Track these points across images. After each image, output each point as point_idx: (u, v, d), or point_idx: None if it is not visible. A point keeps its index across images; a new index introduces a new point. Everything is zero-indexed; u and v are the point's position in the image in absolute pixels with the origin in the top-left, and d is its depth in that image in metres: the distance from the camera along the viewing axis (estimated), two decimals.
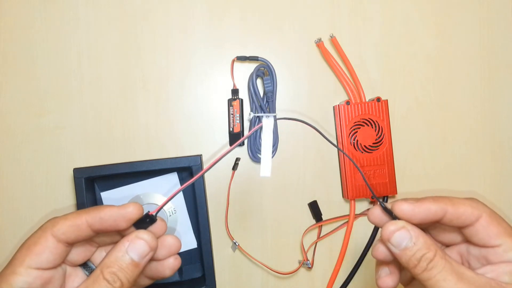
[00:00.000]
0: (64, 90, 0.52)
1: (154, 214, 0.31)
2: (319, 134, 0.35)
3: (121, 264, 0.29)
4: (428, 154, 0.54)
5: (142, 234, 0.30)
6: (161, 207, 0.32)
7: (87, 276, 0.32)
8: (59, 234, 0.29)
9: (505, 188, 0.54)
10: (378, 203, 0.31)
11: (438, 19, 0.54)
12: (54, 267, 0.30)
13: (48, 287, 0.29)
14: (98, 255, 0.33)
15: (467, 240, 0.30)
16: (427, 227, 0.32)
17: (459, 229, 0.30)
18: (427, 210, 0.29)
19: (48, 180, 0.52)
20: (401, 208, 0.29)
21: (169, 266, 0.32)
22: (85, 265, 0.33)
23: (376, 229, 0.52)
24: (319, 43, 0.52)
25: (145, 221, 0.31)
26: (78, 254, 0.32)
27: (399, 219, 0.29)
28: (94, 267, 0.33)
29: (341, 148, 0.51)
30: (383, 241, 0.29)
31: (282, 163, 0.53)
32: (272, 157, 0.53)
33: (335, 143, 0.53)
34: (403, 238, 0.28)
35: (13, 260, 0.29)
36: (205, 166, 0.50)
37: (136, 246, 0.29)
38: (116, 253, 0.29)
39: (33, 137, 0.52)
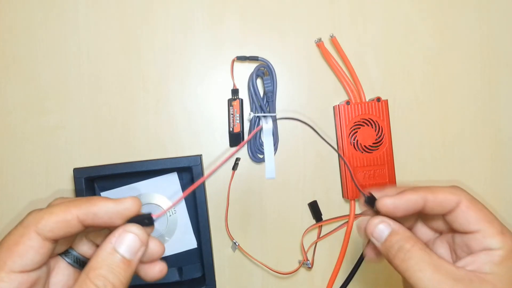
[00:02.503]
0: (64, 90, 0.52)
1: (155, 218, 0.28)
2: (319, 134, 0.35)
3: (111, 264, 0.25)
4: (428, 154, 0.54)
5: (130, 227, 0.26)
6: (165, 212, 0.29)
7: (70, 264, 0.29)
8: (45, 231, 0.25)
9: (505, 188, 0.54)
10: (364, 198, 0.31)
11: (438, 19, 0.54)
12: (39, 267, 0.26)
13: None
14: (79, 240, 0.30)
15: (452, 228, 0.30)
16: (416, 218, 0.33)
17: (443, 217, 0.30)
18: (408, 201, 0.29)
19: (48, 180, 0.52)
20: (384, 203, 0.29)
21: (153, 273, 0.29)
22: (66, 252, 0.29)
23: None
24: (319, 43, 0.52)
25: (142, 221, 0.27)
26: (60, 244, 0.28)
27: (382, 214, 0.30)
28: (76, 253, 0.30)
29: (341, 148, 0.51)
30: (368, 237, 0.30)
31: (282, 163, 0.53)
32: None
33: (335, 142, 0.52)
34: (383, 231, 0.29)
35: None
36: (205, 167, 0.50)
37: (126, 240, 0.26)
38: (103, 252, 0.25)
39: (33, 137, 0.52)
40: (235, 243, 0.52)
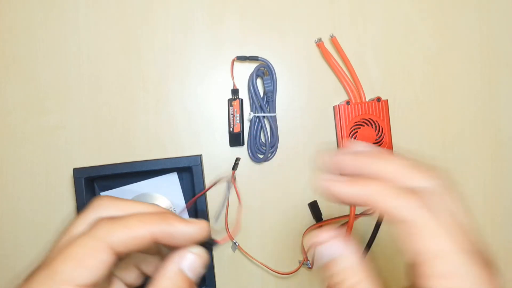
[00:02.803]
0: (64, 90, 0.52)
1: (216, 242, 0.27)
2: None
3: (179, 287, 0.24)
4: (428, 154, 0.54)
5: (198, 249, 0.25)
6: (228, 239, 0.27)
7: (118, 279, 0.28)
8: (118, 246, 0.23)
9: (505, 188, 0.54)
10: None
11: (438, 19, 0.54)
12: (102, 282, 0.24)
13: None
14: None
15: None
16: None
17: None
18: (355, 196, 0.23)
19: (48, 180, 0.52)
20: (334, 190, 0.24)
21: None
22: None
23: (376, 230, 0.52)
24: (319, 43, 0.52)
25: (207, 245, 0.26)
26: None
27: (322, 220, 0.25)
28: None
29: (342, 146, 0.51)
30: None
31: (282, 163, 0.53)
32: (272, 157, 0.53)
33: (336, 142, 0.53)
34: (327, 254, 0.24)
35: (55, 274, 0.22)
36: (205, 167, 0.50)
37: (194, 264, 0.25)
38: (172, 274, 0.24)
39: (33, 137, 0.52)
40: (235, 243, 0.52)
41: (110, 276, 0.27)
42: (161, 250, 0.29)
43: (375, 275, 0.23)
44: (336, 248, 0.23)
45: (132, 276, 0.28)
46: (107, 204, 0.26)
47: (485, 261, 0.21)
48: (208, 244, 0.26)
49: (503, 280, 0.21)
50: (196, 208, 0.49)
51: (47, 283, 0.22)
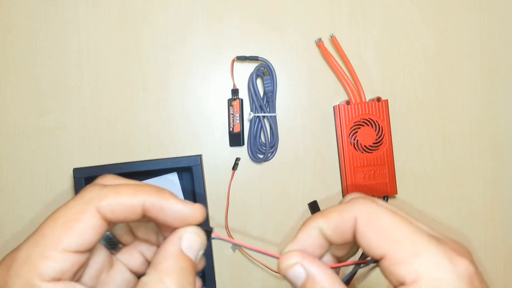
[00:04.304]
0: (64, 90, 0.52)
1: (214, 236, 0.26)
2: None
3: (184, 269, 0.23)
4: (428, 154, 0.54)
5: (198, 230, 0.24)
6: (224, 240, 0.27)
7: (107, 248, 0.27)
8: (107, 211, 0.22)
9: (505, 188, 0.54)
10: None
11: (438, 19, 0.54)
12: (90, 249, 0.23)
13: (78, 273, 0.23)
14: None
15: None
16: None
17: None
18: (310, 243, 0.24)
19: (48, 180, 0.52)
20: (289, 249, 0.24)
21: None
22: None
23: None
24: (319, 43, 0.52)
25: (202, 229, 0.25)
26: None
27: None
28: (111, 235, 0.28)
29: (341, 148, 0.51)
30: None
31: (282, 163, 0.53)
32: (272, 157, 0.53)
33: (336, 142, 0.53)
34: (299, 275, 0.23)
35: (42, 238, 0.21)
36: (205, 167, 0.50)
37: (194, 244, 0.24)
38: (172, 254, 0.23)
39: (33, 137, 0.52)
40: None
41: (111, 259, 0.27)
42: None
43: None
44: (301, 271, 0.23)
45: (136, 261, 0.28)
46: (110, 178, 0.25)
47: None
48: (205, 231, 0.25)
49: (503, 282, 0.21)
50: None
51: (35, 248, 0.21)
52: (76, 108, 0.52)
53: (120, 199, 0.22)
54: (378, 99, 0.51)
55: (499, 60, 0.55)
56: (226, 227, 0.52)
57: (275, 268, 0.52)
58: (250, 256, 0.52)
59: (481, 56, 0.55)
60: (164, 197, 0.23)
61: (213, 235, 0.26)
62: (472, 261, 0.20)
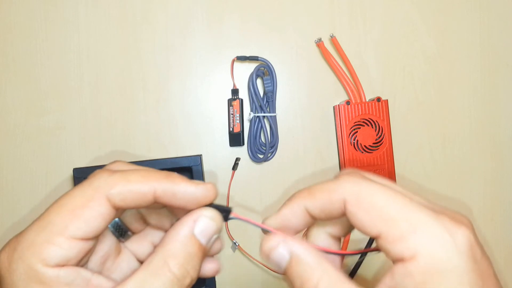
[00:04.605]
0: (64, 90, 0.52)
1: (232, 216, 0.25)
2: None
3: (191, 253, 0.22)
4: (428, 154, 0.54)
5: (211, 212, 0.23)
6: (244, 220, 0.25)
7: (114, 235, 0.26)
8: (117, 199, 0.21)
9: (505, 188, 0.54)
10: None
11: (438, 19, 0.54)
12: (97, 236, 0.22)
13: (84, 259, 0.22)
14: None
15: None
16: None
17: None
18: (288, 218, 0.23)
19: (48, 180, 0.52)
20: (268, 223, 0.24)
21: (208, 270, 0.26)
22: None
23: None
24: (319, 43, 0.52)
25: (219, 210, 0.24)
26: None
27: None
28: (119, 221, 0.27)
29: (341, 148, 0.51)
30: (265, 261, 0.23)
31: (282, 163, 0.53)
32: (272, 157, 0.53)
33: (336, 142, 0.53)
34: (283, 256, 0.22)
35: (48, 224, 0.21)
36: (205, 167, 0.50)
37: (206, 227, 0.23)
38: (181, 237, 0.22)
39: (33, 137, 0.52)
40: (235, 243, 0.52)
41: (118, 246, 0.26)
42: None
43: (336, 268, 0.21)
44: (284, 251, 0.22)
45: (145, 251, 0.27)
46: (119, 164, 0.25)
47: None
48: (223, 212, 0.24)
49: (504, 281, 0.20)
50: None
51: (40, 234, 0.20)
52: (76, 108, 0.52)
53: (131, 186, 0.22)
54: (378, 99, 0.51)
55: (499, 60, 0.55)
56: (226, 227, 0.52)
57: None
58: (250, 256, 0.52)
59: (481, 56, 0.55)
60: (174, 182, 0.23)
61: (231, 215, 0.25)
62: (472, 229, 0.20)
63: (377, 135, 0.51)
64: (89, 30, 0.52)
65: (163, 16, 0.53)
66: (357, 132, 0.51)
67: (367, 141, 0.51)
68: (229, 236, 0.52)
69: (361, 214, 0.21)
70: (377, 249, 0.22)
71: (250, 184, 0.53)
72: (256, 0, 0.53)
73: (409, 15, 0.54)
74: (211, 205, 0.24)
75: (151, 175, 0.23)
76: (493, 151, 0.55)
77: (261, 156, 0.52)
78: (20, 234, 0.21)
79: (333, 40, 0.52)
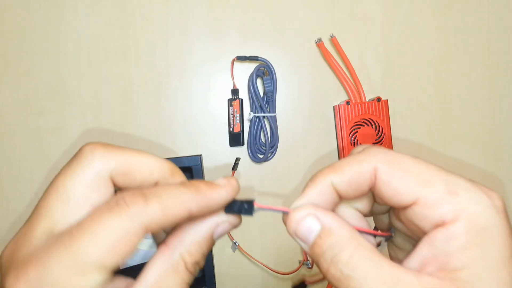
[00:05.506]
0: (64, 90, 0.52)
1: (257, 208, 0.24)
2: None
3: (204, 251, 0.22)
4: (428, 154, 0.54)
5: (233, 218, 0.23)
6: (268, 209, 0.25)
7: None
8: (151, 227, 0.20)
9: (505, 188, 0.54)
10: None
11: (439, 20, 0.54)
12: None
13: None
14: None
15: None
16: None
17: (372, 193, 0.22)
18: (319, 195, 0.22)
19: (48, 180, 0.52)
20: (294, 207, 0.23)
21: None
22: None
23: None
24: (319, 43, 0.52)
25: (242, 206, 0.24)
26: None
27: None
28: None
29: (341, 148, 0.51)
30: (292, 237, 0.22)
31: (282, 163, 0.53)
32: (272, 157, 0.53)
33: (336, 142, 0.52)
34: (311, 228, 0.20)
35: (78, 252, 0.18)
36: (205, 167, 0.50)
37: (224, 230, 0.23)
38: (200, 238, 0.22)
39: (33, 137, 0.52)
40: (235, 243, 0.52)
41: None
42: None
43: (367, 242, 0.20)
44: (314, 223, 0.20)
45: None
46: (102, 153, 0.22)
47: None
48: (245, 205, 0.24)
49: None
50: None
51: (68, 260, 0.18)
52: (75, 109, 0.52)
53: (169, 213, 0.20)
54: (378, 99, 0.51)
55: (499, 60, 0.55)
56: None
57: (275, 268, 0.52)
58: (250, 256, 0.52)
59: (482, 56, 0.55)
60: (205, 195, 0.21)
61: (256, 207, 0.24)
62: (501, 196, 0.20)
63: (377, 135, 0.51)
64: (89, 30, 0.52)
65: (163, 16, 0.53)
66: (357, 132, 0.51)
67: (367, 141, 0.51)
68: (229, 236, 0.52)
69: (395, 181, 0.20)
70: (390, 234, 0.22)
71: (250, 184, 0.53)
72: (256, 0, 0.53)
73: (409, 15, 0.54)
74: (234, 200, 0.23)
75: (184, 195, 0.21)
76: (493, 151, 0.55)
77: (261, 156, 0.52)
78: (41, 259, 0.18)
79: (333, 40, 0.52)
